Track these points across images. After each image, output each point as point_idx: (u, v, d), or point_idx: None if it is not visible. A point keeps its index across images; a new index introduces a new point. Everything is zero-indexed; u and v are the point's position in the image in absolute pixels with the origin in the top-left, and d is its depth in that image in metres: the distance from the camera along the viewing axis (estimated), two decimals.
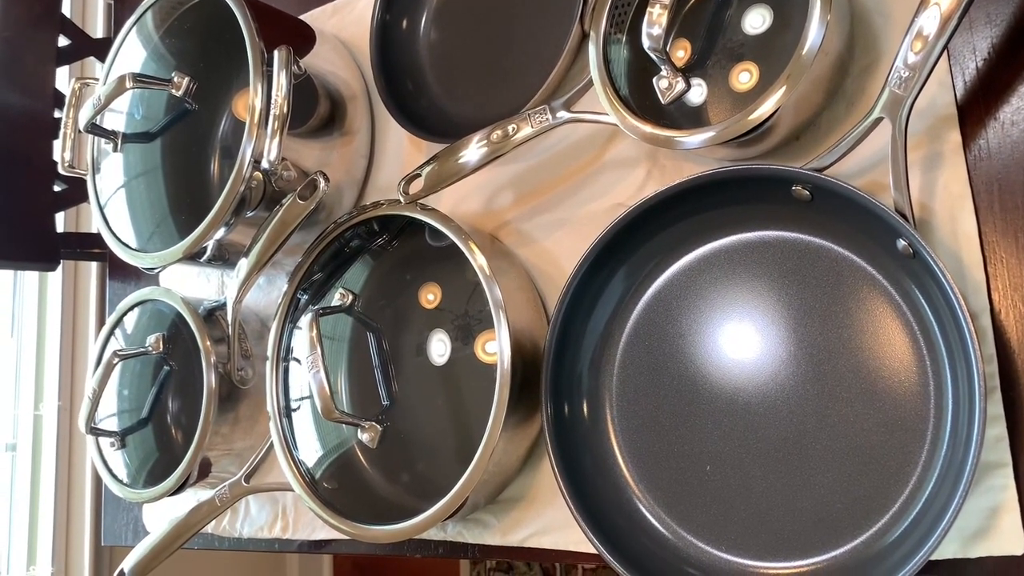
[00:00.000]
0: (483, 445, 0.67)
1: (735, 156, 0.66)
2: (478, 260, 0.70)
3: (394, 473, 0.78)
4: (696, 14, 0.67)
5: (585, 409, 0.69)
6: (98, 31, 1.46)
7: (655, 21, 0.61)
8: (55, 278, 1.53)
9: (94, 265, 1.51)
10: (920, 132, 0.60)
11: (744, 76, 0.65)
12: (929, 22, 0.53)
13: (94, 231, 0.90)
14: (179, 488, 0.86)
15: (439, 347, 0.78)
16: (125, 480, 0.92)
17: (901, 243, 0.56)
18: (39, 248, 1.14)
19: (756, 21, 0.65)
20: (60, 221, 1.19)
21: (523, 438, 0.71)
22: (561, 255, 0.75)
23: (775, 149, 0.65)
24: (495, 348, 0.68)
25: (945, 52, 0.54)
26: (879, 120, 0.56)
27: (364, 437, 0.76)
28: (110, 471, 0.93)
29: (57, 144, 1.09)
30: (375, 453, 0.78)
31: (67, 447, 1.51)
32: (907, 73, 0.54)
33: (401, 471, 0.78)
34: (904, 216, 0.55)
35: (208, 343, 0.85)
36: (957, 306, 0.52)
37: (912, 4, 0.57)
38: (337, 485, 0.79)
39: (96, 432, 0.92)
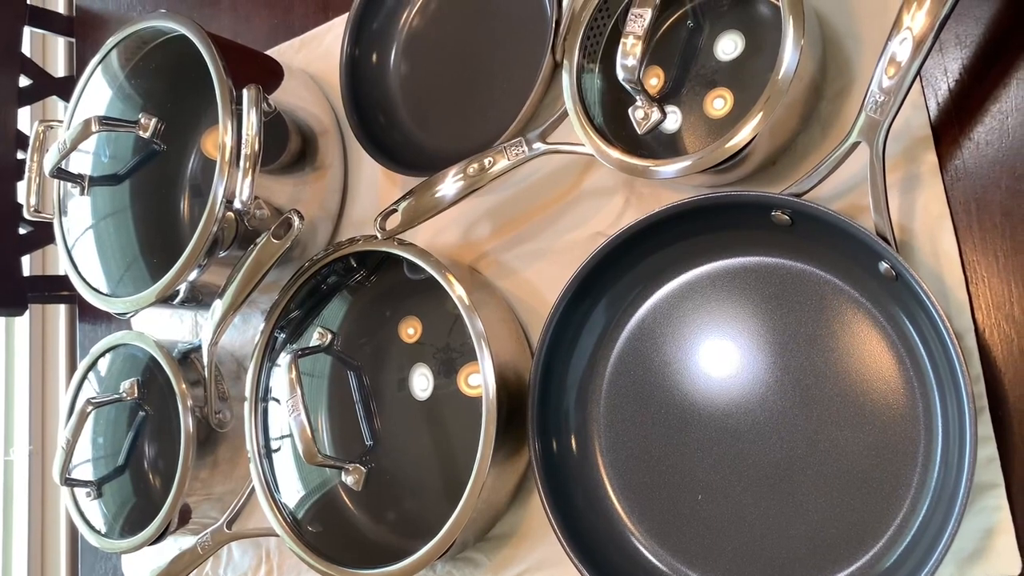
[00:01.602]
0: (471, 482, 0.66)
1: (713, 182, 0.66)
2: (457, 292, 0.69)
3: (380, 513, 0.77)
4: (668, 41, 0.67)
5: (573, 444, 0.68)
6: (59, 70, 1.43)
7: (629, 52, 0.61)
8: (22, 321, 1.49)
9: (63, 307, 1.48)
10: (897, 154, 0.60)
11: (718, 102, 0.65)
12: (902, 47, 0.53)
13: (62, 273, 0.88)
14: (159, 537, 0.84)
15: (421, 382, 0.76)
16: (103, 530, 0.90)
17: (884, 266, 0.56)
18: (5, 293, 1.11)
19: (728, 47, 0.65)
20: (26, 264, 1.16)
21: (511, 472, 0.70)
22: (542, 285, 0.74)
23: (752, 174, 0.65)
24: (479, 380, 0.67)
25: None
26: (856, 144, 0.56)
27: (349, 480, 0.74)
28: (86, 521, 0.90)
29: (21, 186, 1.06)
30: (360, 493, 0.76)
31: (40, 493, 1.47)
32: (882, 98, 0.54)
33: (387, 510, 0.77)
34: (885, 239, 0.55)
35: (184, 387, 0.83)
36: (942, 327, 0.52)
37: (883, 25, 0.58)
38: (322, 527, 0.77)
39: (71, 483, 0.89)
